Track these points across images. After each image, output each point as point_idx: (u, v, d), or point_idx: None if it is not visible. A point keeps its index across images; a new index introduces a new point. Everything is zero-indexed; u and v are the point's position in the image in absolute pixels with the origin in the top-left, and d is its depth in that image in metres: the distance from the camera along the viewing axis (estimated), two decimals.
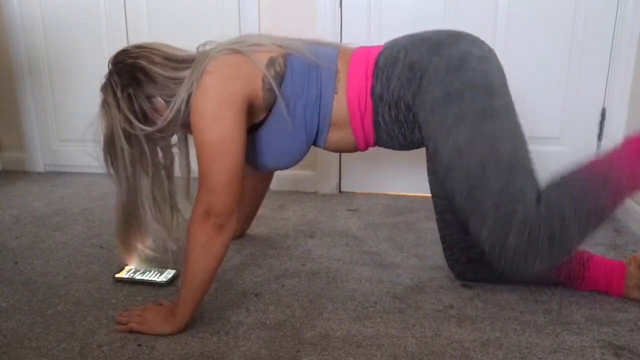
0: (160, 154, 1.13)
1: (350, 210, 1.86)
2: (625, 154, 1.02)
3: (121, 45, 1.20)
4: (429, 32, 1.14)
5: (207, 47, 1.12)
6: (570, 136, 1.88)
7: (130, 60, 1.07)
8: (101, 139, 1.08)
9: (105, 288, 1.24)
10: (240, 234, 1.56)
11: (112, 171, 1.10)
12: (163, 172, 1.14)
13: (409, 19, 1.88)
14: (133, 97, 1.06)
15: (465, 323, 1.09)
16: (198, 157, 1.02)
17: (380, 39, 1.90)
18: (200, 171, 1.02)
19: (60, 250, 1.49)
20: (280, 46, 1.12)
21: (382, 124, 1.13)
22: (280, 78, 1.10)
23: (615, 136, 1.81)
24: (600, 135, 1.85)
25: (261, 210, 1.82)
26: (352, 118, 1.13)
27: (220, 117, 1.01)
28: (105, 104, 1.08)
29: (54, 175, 2.35)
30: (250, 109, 1.09)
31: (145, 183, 1.11)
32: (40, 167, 2.43)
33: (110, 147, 1.08)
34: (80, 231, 1.64)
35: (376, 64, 1.11)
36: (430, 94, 1.04)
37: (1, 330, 1.07)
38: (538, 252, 0.99)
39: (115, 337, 1.03)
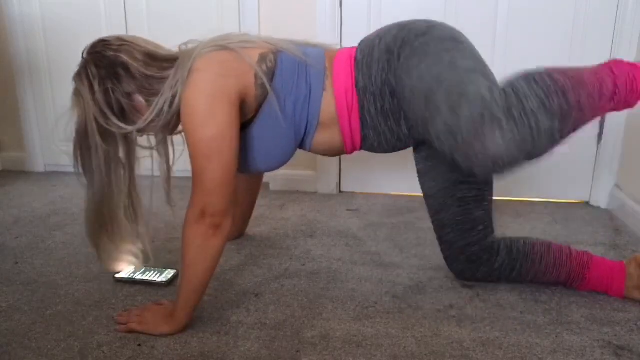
0: (126, 153, 1.10)
1: (350, 210, 1.86)
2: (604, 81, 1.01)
3: None
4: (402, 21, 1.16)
5: (190, 46, 1.09)
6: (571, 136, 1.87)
7: (111, 53, 1.03)
8: (73, 132, 1.04)
9: (105, 288, 1.24)
10: (237, 235, 1.56)
11: (82, 169, 1.06)
12: (126, 173, 1.10)
13: (410, 16, 1.87)
14: (111, 92, 1.02)
15: (465, 323, 1.09)
16: (191, 156, 1.00)
17: None
18: (194, 171, 1.00)
19: (60, 250, 1.49)
20: (269, 43, 1.12)
21: (368, 119, 1.12)
22: (271, 74, 1.09)
23: (615, 136, 1.81)
24: (600, 135, 1.85)
25: (261, 210, 1.82)
26: (339, 115, 1.12)
27: (214, 115, 0.99)
28: (78, 93, 1.03)
29: (54, 175, 2.35)
30: (242, 106, 1.07)
31: (118, 183, 1.08)
32: (40, 167, 2.43)
33: (83, 141, 1.04)
34: (80, 231, 1.64)
35: (355, 58, 1.12)
36: (405, 59, 1.05)
37: (1, 330, 1.07)
38: (495, 133, 0.94)
39: (115, 337, 1.03)
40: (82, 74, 1.04)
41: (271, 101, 1.08)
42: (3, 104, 2.38)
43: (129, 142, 1.09)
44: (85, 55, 1.06)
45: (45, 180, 2.27)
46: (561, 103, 0.95)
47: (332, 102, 1.12)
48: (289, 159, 1.18)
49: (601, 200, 1.87)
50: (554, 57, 1.81)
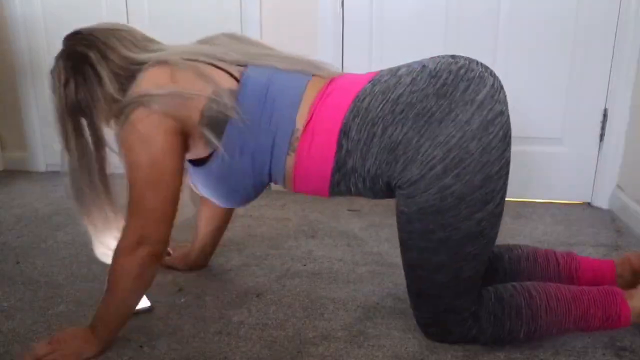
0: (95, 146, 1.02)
1: (352, 210, 1.85)
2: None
3: None
4: (411, 82, 0.92)
5: (159, 55, 0.99)
6: (572, 137, 1.87)
7: (80, 48, 0.98)
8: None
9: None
10: (197, 267, 1.35)
11: (64, 145, 1.03)
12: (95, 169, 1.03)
13: (411, 17, 1.87)
14: (76, 87, 0.99)
15: None
16: (128, 180, 0.93)
17: (381, 38, 1.90)
18: (132, 198, 0.93)
19: (61, 249, 1.49)
20: (237, 69, 0.99)
21: (352, 189, 1.00)
22: (224, 120, 0.95)
23: (617, 136, 1.80)
24: (602, 136, 1.84)
25: (262, 211, 1.82)
26: (309, 184, 1.02)
27: (151, 139, 0.91)
28: (51, 83, 1.02)
29: (55, 175, 2.35)
30: (190, 140, 0.98)
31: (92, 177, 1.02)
32: (41, 167, 2.43)
33: (58, 121, 1.03)
34: (81, 231, 1.62)
35: (346, 132, 0.94)
36: (422, 196, 0.90)
37: (2, 330, 1.07)
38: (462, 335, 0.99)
39: (117, 337, 1.03)
40: (54, 65, 1.01)
41: (221, 155, 0.97)
42: (5, 103, 2.38)
43: (98, 137, 1.02)
44: (62, 45, 1.02)
45: (46, 180, 2.27)
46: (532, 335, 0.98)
47: (293, 167, 0.99)
48: (254, 198, 1.08)
49: (603, 201, 1.86)
50: (556, 57, 1.81)
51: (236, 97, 0.95)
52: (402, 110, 0.91)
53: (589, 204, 1.91)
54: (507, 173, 0.93)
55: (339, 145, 0.95)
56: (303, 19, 1.95)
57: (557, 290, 0.98)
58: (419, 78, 0.93)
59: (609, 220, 1.74)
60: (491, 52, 1.82)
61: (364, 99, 0.95)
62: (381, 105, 0.93)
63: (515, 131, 1.81)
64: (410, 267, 0.99)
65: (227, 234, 1.39)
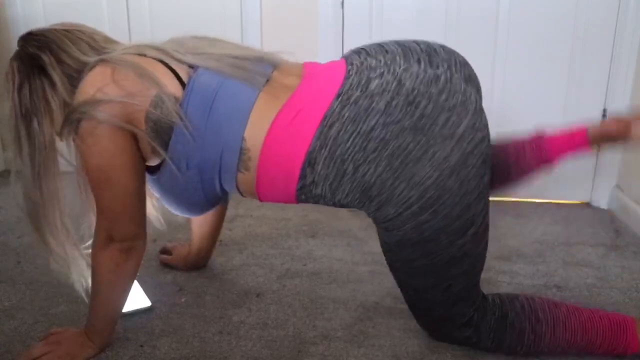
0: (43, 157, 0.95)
1: (352, 210, 1.86)
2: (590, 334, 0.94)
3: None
4: (385, 108, 0.84)
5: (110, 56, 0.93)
6: None
7: (32, 50, 0.93)
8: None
9: None
10: (195, 267, 1.33)
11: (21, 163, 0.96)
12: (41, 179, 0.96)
13: (411, 17, 1.88)
14: (29, 91, 0.94)
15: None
16: (88, 181, 0.94)
17: (381, 38, 1.89)
18: (94, 196, 0.94)
19: None
20: (186, 71, 0.92)
21: (321, 203, 0.96)
22: (169, 129, 0.91)
23: None
24: None
25: (262, 211, 1.82)
26: (274, 199, 0.98)
27: (100, 149, 0.89)
28: (5, 86, 0.96)
29: None
30: (138, 144, 0.94)
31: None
32: None
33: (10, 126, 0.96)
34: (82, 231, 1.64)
35: (311, 163, 0.88)
36: (400, 230, 0.88)
37: (4, 330, 1.07)
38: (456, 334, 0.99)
39: (117, 336, 1.04)
40: (8, 67, 0.95)
41: (169, 166, 0.93)
42: (5, 104, 2.39)
43: (50, 143, 0.96)
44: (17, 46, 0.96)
45: None
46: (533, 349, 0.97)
47: (254, 185, 0.94)
48: (212, 208, 1.05)
49: (602, 201, 1.87)
50: (555, 57, 1.81)
51: (180, 102, 0.90)
52: (375, 149, 0.84)
53: (588, 204, 1.91)
54: (488, 193, 0.90)
55: (303, 174, 0.90)
56: (303, 19, 1.95)
57: (567, 316, 0.95)
58: (394, 104, 0.84)
59: (608, 220, 1.74)
60: (491, 51, 1.83)
61: (332, 125, 0.86)
62: (351, 139, 0.85)
63: (514, 131, 1.80)
64: (400, 286, 1.00)
65: (228, 234, 1.39)
